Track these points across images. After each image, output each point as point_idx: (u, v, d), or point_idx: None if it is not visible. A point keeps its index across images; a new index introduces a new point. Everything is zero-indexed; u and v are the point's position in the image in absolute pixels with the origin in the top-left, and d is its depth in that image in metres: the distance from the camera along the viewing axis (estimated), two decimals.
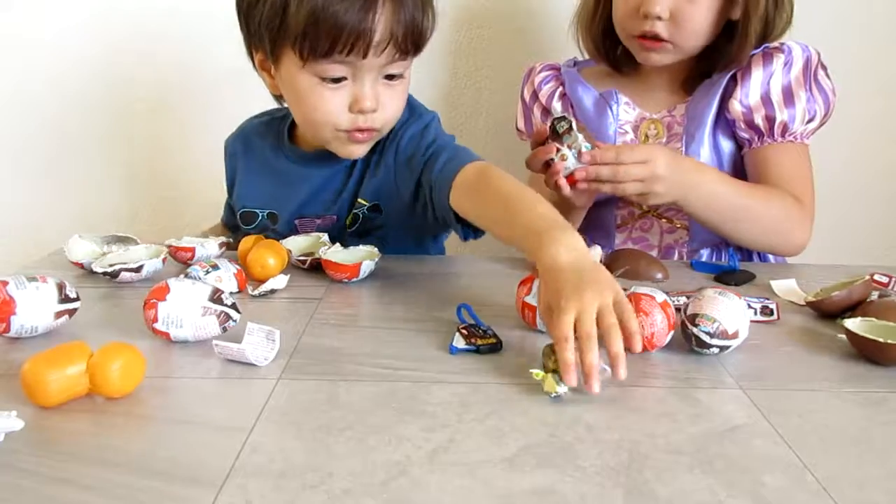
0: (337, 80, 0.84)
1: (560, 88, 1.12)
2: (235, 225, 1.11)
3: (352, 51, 0.80)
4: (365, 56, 0.81)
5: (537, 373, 0.58)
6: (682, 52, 1.02)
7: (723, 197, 0.93)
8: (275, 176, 1.03)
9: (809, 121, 0.99)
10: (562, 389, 0.56)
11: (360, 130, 0.88)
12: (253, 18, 0.85)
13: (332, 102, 0.85)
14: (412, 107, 0.98)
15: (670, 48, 1.00)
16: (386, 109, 0.88)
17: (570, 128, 0.87)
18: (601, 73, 1.13)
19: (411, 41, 0.84)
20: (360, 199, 0.98)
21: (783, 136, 1.00)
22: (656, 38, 0.99)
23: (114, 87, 1.40)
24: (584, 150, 0.86)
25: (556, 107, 1.11)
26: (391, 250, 0.94)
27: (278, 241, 0.90)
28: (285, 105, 0.98)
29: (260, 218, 1.05)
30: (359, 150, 0.92)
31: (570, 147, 0.87)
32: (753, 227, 0.97)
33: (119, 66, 1.39)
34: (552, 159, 0.87)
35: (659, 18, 0.97)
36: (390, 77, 0.87)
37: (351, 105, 0.86)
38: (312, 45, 0.80)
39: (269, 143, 1.05)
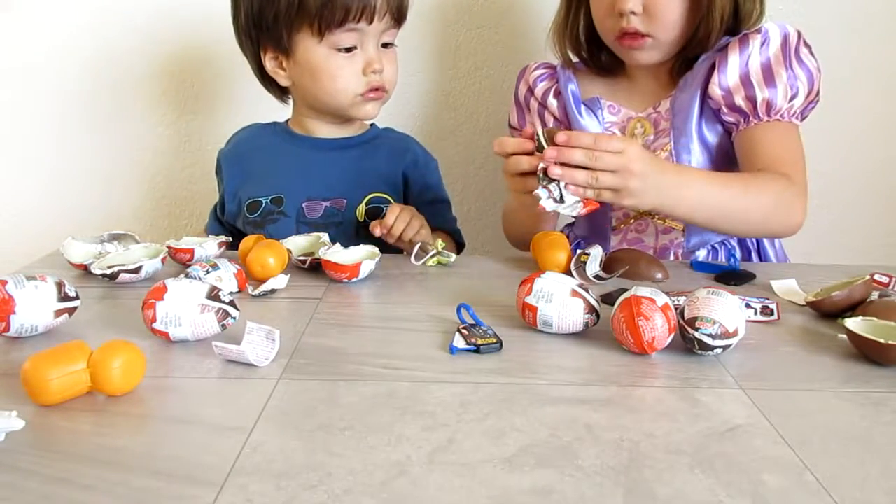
0: (349, 50, 1.02)
1: (555, 86, 1.12)
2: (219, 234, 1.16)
3: (361, 17, 0.99)
4: (371, 21, 1.00)
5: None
6: (665, 45, 1.02)
7: (712, 196, 0.90)
8: (282, 164, 1.12)
9: (793, 98, 0.98)
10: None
11: (373, 90, 1.05)
12: (264, 18, 1.01)
13: (348, 70, 1.03)
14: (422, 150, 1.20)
15: (651, 42, 1.01)
16: (387, 71, 1.06)
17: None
18: (591, 73, 1.14)
19: (399, 10, 1.05)
20: (383, 194, 1.10)
21: (769, 114, 0.98)
22: (636, 33, 1.00)
23: (114, 86, 1.40)
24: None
25: (552, 103, 1.11)
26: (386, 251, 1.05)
27: (273, 237, 0.92)
28: (289, 100, 1.14)
29: (264, 204, 1.09)
30: (373, 110, 1.08)
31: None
32: (749, 218, 0.94)
33: (119, 65, 1.39)
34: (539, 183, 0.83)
35: (633, 13, 0.98)
36: (385, 46, 1.06)
37: (364, 68, 1.04)
38: (329, 18, 0.98)
39: (273, 138, 1.15)
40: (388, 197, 1.10)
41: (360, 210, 1.09)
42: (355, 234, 1.08)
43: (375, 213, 1.09)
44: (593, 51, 1.12)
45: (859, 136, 1.39)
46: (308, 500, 0.44)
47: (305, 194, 1.09)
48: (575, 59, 1.14)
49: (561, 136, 0.81)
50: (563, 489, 0.45)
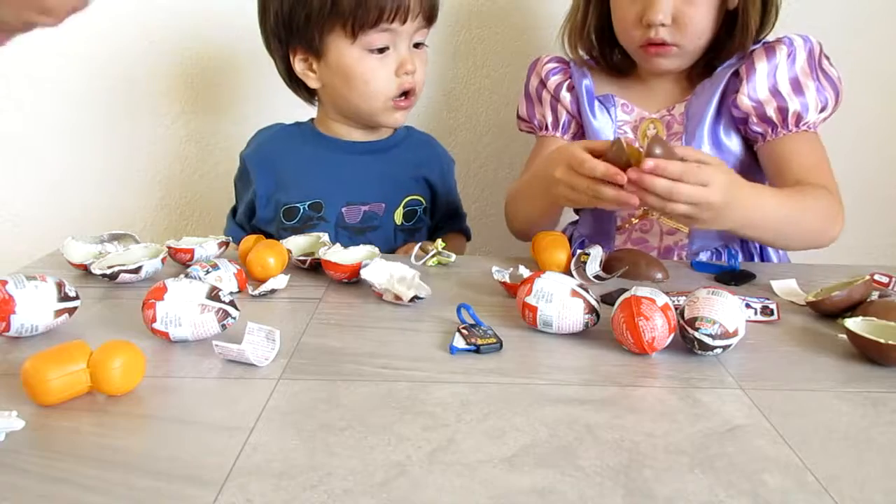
0: (382, 51, 1.01)
1: (568, 81, 1.12)
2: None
3: (395, 17, 0.98)
4: (404, 22, 0.99)
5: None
6: (689, 53, 1.03)
7: (773, 216, 0.90)
8: (317, 168, 1.09)
9: (822, 109, 0.99)
10: None
11: (404, 95, 1.05)
12: (295, 19, 1.00)
13: (381, 71, 1.02)
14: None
15: (677, 51, 1.01)
16: (419, 72, 1.05)
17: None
18: (603, 72, 1.14)
19: (432, 10, 1.04)
20: (417, 196, 1.11)
21: (797, 125, 0.99)
22: (663, 43, 1.00)
23: (114, 87, 1.40)
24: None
25: (566, 97, 1.11)
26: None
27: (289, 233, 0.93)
28: (316, 102, 1.12)
29: (301, 211, 1.07)
30: (402, 118, 1.08)
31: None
32: (799, 233, 0.95)
33: (119, 66, 1.39)
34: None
35: (662, 25, 0.98)
36: (416, 46, 1.06)
37: (397, 69, 1.03)
38: (363, 18, 0.97)
39: (302, 140, 1.12)
40: (421, 199, 1.11)
41: (399, 213, 1.08)
42: (394, 238, 1.08)
43: (412, 216, 1.10)
44: (605, 50, 1.11)
45: (860, 137, 1.39)
46: (308, 500, 0.44)
47: (344, 199, 1.07)
48: (586, 58, 1.14)
49: (648, 164, 0.76)
50: (563, 489, 0.45)
